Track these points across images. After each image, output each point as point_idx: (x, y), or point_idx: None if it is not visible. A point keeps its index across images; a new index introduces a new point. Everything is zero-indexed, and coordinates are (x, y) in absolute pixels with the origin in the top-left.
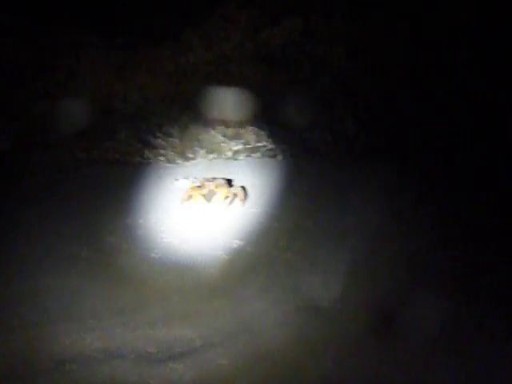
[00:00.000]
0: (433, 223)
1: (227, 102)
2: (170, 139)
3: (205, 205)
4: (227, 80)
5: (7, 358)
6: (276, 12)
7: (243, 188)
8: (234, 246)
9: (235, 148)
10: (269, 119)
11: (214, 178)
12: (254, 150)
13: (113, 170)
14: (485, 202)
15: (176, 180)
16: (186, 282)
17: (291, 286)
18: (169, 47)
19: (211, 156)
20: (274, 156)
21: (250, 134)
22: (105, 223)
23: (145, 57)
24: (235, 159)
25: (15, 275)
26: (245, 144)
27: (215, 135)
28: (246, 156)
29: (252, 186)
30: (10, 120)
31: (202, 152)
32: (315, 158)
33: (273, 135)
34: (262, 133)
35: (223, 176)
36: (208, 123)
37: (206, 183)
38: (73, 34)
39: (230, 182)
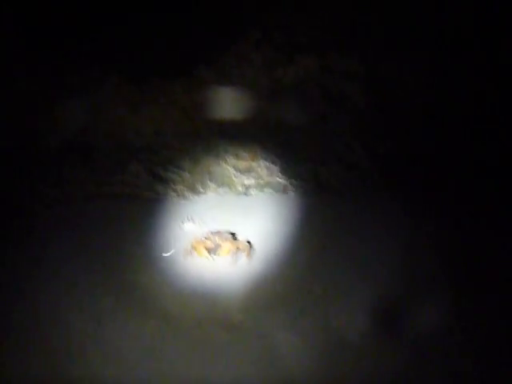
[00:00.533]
0: (450, 264)
1: (240, 135)
2: (181, 172)
3: (208, 259)
4: (240, 115)
5: None
6: (291, 50)
7: (248, 242)
8: (232, 319)
9: (247, 182)
10: (281, 154)
11: (219, 232)
12: (266, 184)
13: (122, 205)
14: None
15: (182, 223)
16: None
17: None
18: (182, 82)
19: (222, 190)
20: (285, 191)
21: (262, 168)
22: (107, 261)
23: (158, 91)
24: (246, 194)
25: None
26: (257, 178)
27: (227, 169)
28: (258, 191)
29: (261, 228)
30: (21, 154)
31: (212, 186)
32: (328, 194)
33: (285, 170)
34: (275, 167)
35: (232, 214)
36: (220, 156)
37: (211, 236)
38: (87, 69)
39: (234, 236)
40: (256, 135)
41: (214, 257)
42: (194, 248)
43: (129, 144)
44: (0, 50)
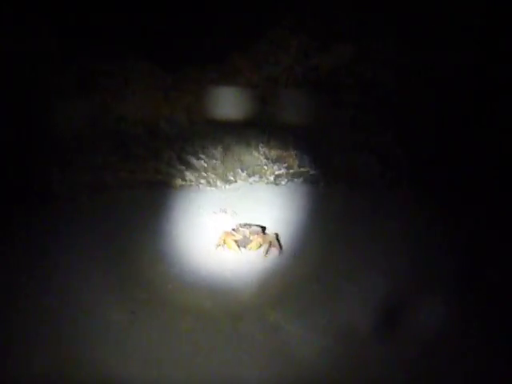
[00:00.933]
0: (460, 263)
1: (272, 124)
2: (213, 161)
3: (237, 252)
4: (273, 103)
5: None
6: (327, 37)
7: (277, 236)
8: (243, 311)
9: (277, 172)
10: (314, 143)
11: (250, 225)
12: (297, 174)
13: (154, 193)
14: None
15: (214, 213)
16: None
17: None
18: (215, 70)
19: (252, 179)
20: (316, 182)
21: (294, 157)
22: (138, 250)
23: (191, 79)
24: (276, 184)
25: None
26: (287, 168)
27: (258, 157)
28: (288, 181)
29: (288, 219)
30: (54, 141)
31: (243, 175)
32: (360, 187)
33: (317, 160)
34: (306, 157)
35: (263, 205)
36: (251, 145)
37: (241, 229)
38: (120, 56)
39: (264, 230)
40: (288, 124)
41: (244, 250)
42: (224, 241)
43: (161, 132)
44: (34, 36)
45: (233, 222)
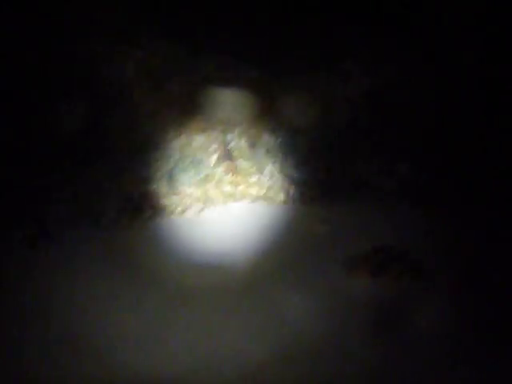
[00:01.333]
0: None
1: (382, 134)
2: (316, 175)
3: (368, 280)
4: (385, 110)
5: None
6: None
7: (419, 262)
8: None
9: (388, 187)
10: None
11: (383, 247)
12: (411, 188)
13: (256, 207)
14: None
15: (321, 231)
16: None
17: None
18: (326, 76)
19: (361, 194)
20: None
21: (406, 168)
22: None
23: (299, 85)
24: (387, 202)
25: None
26: (399, 182)
27: (365, 170)
28: (400, 198)
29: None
30: (147, 157)
31: (350, 189)
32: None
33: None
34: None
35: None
36: (359, 157)
37: (375, 254)
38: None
39: (404, 254)
40: (396, 134)
41: (377, 280)
42: (356, 267)
43: (265, 144)
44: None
45: (362, 245)
